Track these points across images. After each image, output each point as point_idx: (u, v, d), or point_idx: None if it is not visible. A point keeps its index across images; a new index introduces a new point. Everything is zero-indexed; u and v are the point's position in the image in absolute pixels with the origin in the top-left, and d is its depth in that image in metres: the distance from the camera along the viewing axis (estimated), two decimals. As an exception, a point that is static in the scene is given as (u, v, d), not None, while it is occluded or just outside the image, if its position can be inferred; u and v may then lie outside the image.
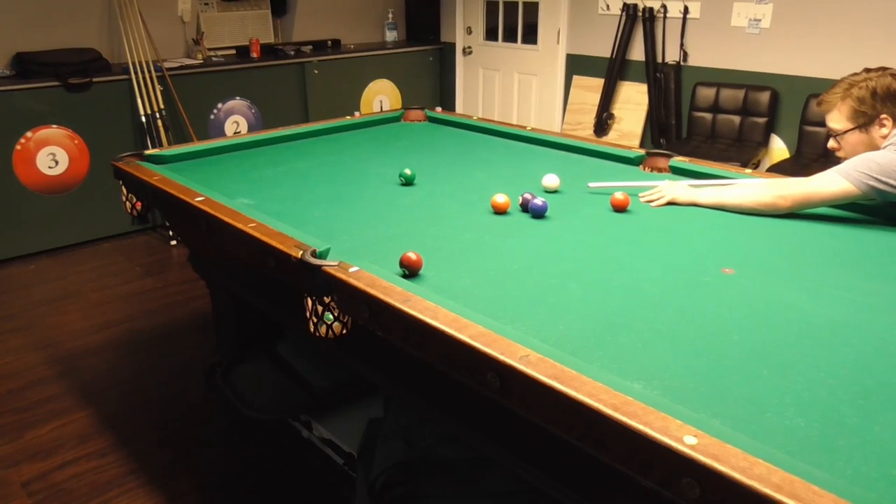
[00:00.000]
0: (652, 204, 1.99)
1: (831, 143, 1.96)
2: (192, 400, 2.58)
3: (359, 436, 1.98)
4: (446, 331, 1.22)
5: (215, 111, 4.44)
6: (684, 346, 1.25)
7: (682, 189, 2.00)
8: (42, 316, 3.23)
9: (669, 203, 1.98)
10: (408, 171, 2.17)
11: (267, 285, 1.99)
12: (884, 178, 1.72)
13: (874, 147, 1.84)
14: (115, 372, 2.77)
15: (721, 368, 1.18)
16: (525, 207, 1.92)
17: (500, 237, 1.77)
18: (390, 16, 5.53)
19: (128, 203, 2.30)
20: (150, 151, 2.42)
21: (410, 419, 1.86)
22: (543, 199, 1.88)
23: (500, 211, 1.92)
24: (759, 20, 3.86)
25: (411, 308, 1.29)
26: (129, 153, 2.37)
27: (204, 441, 2.36)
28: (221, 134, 4.42)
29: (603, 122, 4.63)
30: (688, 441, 0.91)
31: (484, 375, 1.16)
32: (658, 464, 0.94)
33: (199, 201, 1.89)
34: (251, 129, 4.56)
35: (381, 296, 1.34)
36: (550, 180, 2.09)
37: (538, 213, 1.88)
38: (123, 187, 2.29)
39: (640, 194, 2.03)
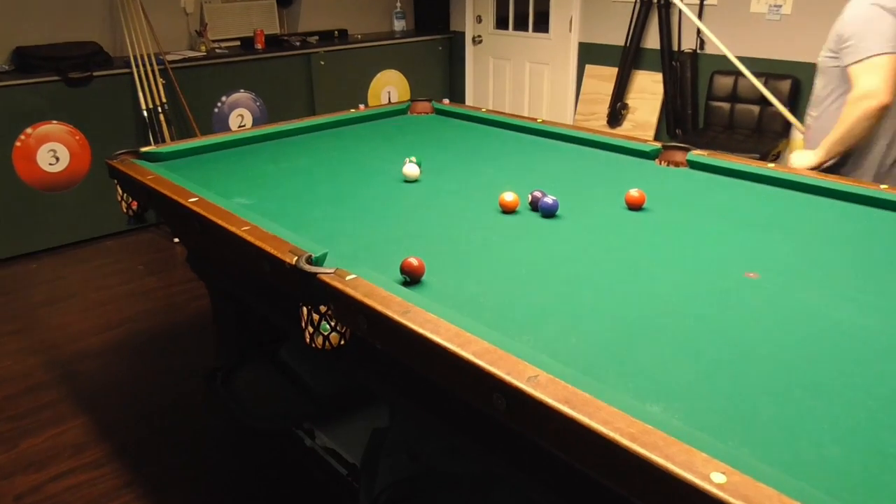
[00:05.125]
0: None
1: None
2: (192, 406, 2.51)
3: (363, 445, 1.90)
4: (448, 347, 1.13)
5: (219, 104, 4.36)
6: (707, 361, 1.15)
7: (807, 159, 2.10)
8: (42, 317, 3.17)
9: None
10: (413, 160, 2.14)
11: (266, 289, 1.91)
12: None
13: None
14: (115, 376, 2.71)
15: (748, 387, 1.08)
16: (535, 206, 1.82)
17: (508, 238, 1.67)
18: (398, 5, 5.42)
19: (123, 203, 2.23)
20: (146, 149, 2.34)
21: (415, 430, 1.77)
22: (554, 198, 1.78)
23: (508, 210, 1.82)
24: (780, 6, 3.71)
25: (410, 321, 1.20)
26: (123, 151, 2.29)
27: (204, 450, 2.29)
28: (226, 128, 4.35)
29: (616, 113, 4.51)
30: (715, 479, 0.82)
31: (489, 396, 1.07)
32: (680, 501, 0.84)
33: (192, 202, 1.80)
34: (256, 122, 4.48)
35: (378, 307, 1.25)
36: (411, 169, 2.07)
37: (548, 212, 1.78)
38: (118, 186, 2.22)
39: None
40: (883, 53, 1.83)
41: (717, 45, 2.58)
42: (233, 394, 2.20)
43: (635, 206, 1.83)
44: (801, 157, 2.10)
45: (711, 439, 0.92)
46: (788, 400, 1.05)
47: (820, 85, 2.19)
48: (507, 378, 1.04)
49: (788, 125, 3.82)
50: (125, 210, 2.23)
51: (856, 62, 1.88)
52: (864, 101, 1.88)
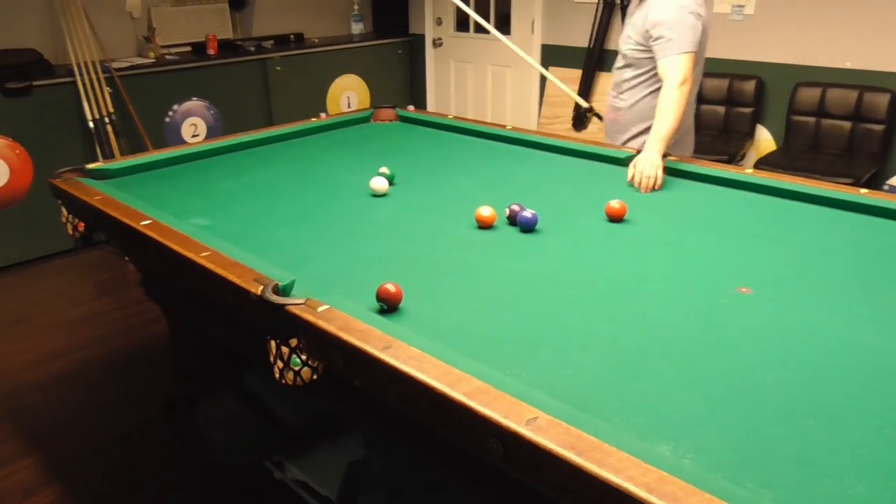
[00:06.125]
0: (654, 188, 2.00)
1: None
2: (153, 438, 2.35)
3: (337, 477, 1.78)
4: (436, 387, 1.03)
5: (171, 113, 4.16)
6: (711, 389, 1.08)
7: (654, 158, 2.04)
8: (-16, 346, 2.96)
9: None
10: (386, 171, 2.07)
11: (229, 317, 1.78)
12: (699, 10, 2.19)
13: None
14: (66, 409, 2.52)
15: (759, 418, 1.01)
16: (513, 220, 1.74)
17: (488, 257, 1.58)
18: (356, 7, 5.29)
19: (69, 225, 2.07)
20: (92, 165, 2.18)
21: (395, 463, 1.67)
22: (533, 212, 1.70)
23: (485, 225, 1.73)
24: (743, 6, 3.71)
25: (393, 357, 1.10)
26: (68, 168, 2.13)
27: (166, 485, 2.14)
28: (179, 137, 4.15)
29: (581, 116, 4.46)
30: (746, 537, 0.74)
31: (483, 440, 0.98)
32: (706, 560, 0.76)
33: (145, 225, 1.66)
34: (211, 130, 4.30)
35: (356, 342, 1.14)
36: (379, 183, 1.99)
37: (528, 227, 1.70)
38: (63, 207, 2.06)
39: (632, 179, 2.03)
40: (690, 52, 2.17)
41: (500, 37, 2.98)
42: (194, 427, 2.06)
43: (617, 218, 1.76)
44: (650, 160, 2.03)
45: (730, 484, 0.85)
46: (803, 431, 0.99)
47: (630, 74, 2.40)
48: (504, 422, 0.94)
49: (754, 125, 3.82)
50: (71, 232, 2.07)
51: (669, 56, 2.17)
52: (684, 86, 2.15)
